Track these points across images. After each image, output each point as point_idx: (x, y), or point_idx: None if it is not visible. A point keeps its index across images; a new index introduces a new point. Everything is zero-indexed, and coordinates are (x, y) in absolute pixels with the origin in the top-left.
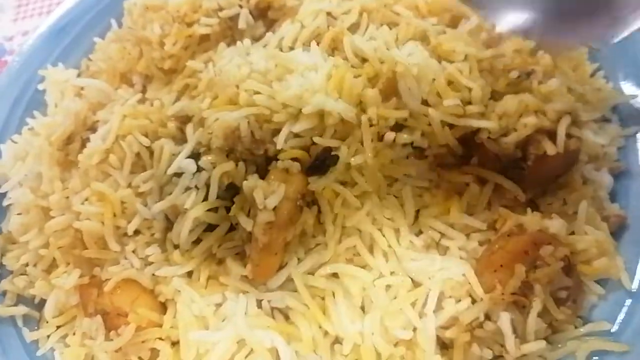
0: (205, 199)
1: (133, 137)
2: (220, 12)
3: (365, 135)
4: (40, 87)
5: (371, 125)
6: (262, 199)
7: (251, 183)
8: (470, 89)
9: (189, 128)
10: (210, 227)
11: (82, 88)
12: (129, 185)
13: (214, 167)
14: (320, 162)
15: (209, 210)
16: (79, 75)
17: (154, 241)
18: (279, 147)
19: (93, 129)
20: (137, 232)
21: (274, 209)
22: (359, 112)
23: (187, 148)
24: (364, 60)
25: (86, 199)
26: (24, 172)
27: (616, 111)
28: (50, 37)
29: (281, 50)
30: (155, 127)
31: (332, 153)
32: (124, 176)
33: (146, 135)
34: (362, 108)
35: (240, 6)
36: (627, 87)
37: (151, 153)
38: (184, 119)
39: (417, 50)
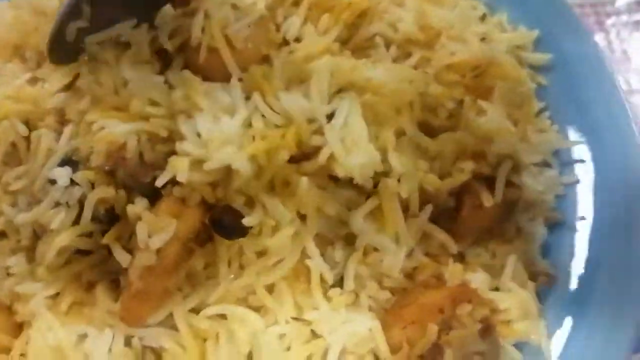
0: (77, 221)
1: (10, 123)
2: None
3: None
4: None
5: None
6: (146, 236)
7: (137, 209)
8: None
9: (67, 129)
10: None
11: None
12: None
13: (92, 186)
14: (226, 229)
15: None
16: None
17: (19, 249)
18: (159, 184)
19: None
20: (1, 235)
21: (158, 250)
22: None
23: (58, 154)
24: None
25: None
26: None
27: (557, 156)
28: None
29: None
30: (40, 115)
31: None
32: None
33: (27, 124)
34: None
35: None
36: (572, 133)
37: (29, 145)
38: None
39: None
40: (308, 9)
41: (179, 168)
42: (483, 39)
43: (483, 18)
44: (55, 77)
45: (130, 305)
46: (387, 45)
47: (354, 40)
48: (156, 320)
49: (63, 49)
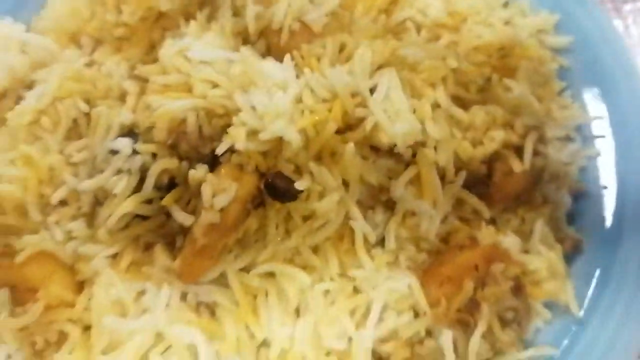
0: (138, 189)
1: (72, 101)
2: None
3: None
4: None
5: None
6: (210, 196)
7: (199, 174)
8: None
9: (126, 105)
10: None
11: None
12: (61, 152)
13: (153, 157)
14: (280, 192)
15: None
16: (27, 31)
17: (80, 215)
18: (219, 152)
19: (31, 88)
20: (63, 203)
21: (221, 209)
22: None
23: (119, 126)
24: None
25: (11, 161)
26: None
27: (579, 131)
28: None
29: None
30: (99, 94)
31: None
32: (56, 141)
33: (87, 102)
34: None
35: None
36: (592, 108)
37: (89, 121)
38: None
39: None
40: None
41: (237, 137)
42: (507, 23)
43: (506, 5)
44: (113, 60)
45: (192, 260)
46: (418, 29)
47: (388, 24)
48: (209, 278)
49: None
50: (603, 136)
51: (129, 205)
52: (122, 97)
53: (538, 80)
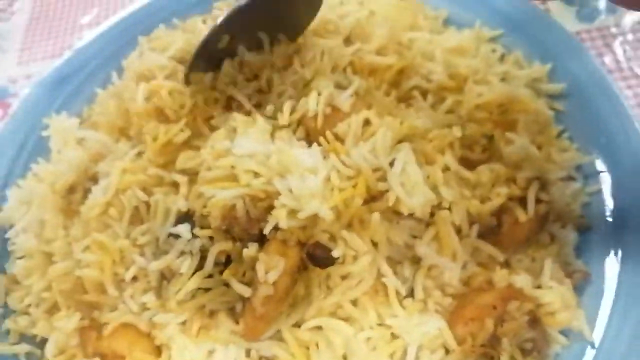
0: (200, 267)
1: (132, 192)
2: None
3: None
4: (44, 133)
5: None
6: (264, 273)
7: (251, 252)
8: None
9: (180, 194)
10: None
11: (83, 138)
12: (127, 236)
13: (210, 239)
14: (319, 260)
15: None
16: (80, 124)
17: (149, 288)
18: (266, 232)
19: (94, 179)
20: (134, 279)
21: (273, 282)
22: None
23: (178, 207)
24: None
25: (87, 247)
26: (28, 218)
27: (580, 170)
28: (54, 84)
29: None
30: (152, 182)
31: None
32: (122, 228)
33: (144, 190)
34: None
35: None
36: (590, 149)
37: (148, 207)
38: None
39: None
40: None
41: (280, 217)
42: (503, 79)
43: (502, 58)
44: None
45: (255, 325)
46: (424, 94)
47: (397, 94)
48: (267, 336)
49: (201, 68)
50: (604, 171)
51: (195, 282)
52: (174, 184)
53: (537, 128)
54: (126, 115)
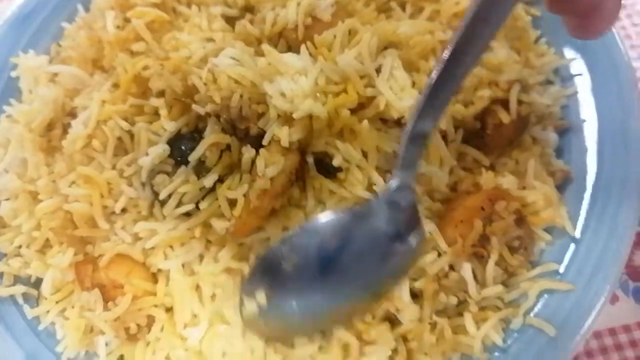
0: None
1: (114, 122)
2: None
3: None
4: (13, 74)
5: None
6: (263, 167)
7: (251, 153)
8: None
9: (162, 110)
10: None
11: (55, 74)
12: (113, 167)
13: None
14: (327, 168)
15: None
16: (50, 62)
17: (140, 218)
18: (265, 142)
19: (72, 114)
20: (124, 210)
21: (271, 178)
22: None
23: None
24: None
25: (73, 182)
26: (8, 159)
27: (558, 74)
28: (17, 23)
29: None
30: (133, 111)
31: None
32: (107, 159)
33: (125, 119)
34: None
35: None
36: (567, 52)
37: (132, 137)
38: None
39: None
40: None
41: (272, 118)
42: None
43: None
44: None
45: (245, 219)
46: (402, 6)
47: (376, 4)
48: (257, 237)
49: None
50: (580, 74)
51: (186, 187)
52: (156, 113)
53: (515, 34)
54: (98, 45)
